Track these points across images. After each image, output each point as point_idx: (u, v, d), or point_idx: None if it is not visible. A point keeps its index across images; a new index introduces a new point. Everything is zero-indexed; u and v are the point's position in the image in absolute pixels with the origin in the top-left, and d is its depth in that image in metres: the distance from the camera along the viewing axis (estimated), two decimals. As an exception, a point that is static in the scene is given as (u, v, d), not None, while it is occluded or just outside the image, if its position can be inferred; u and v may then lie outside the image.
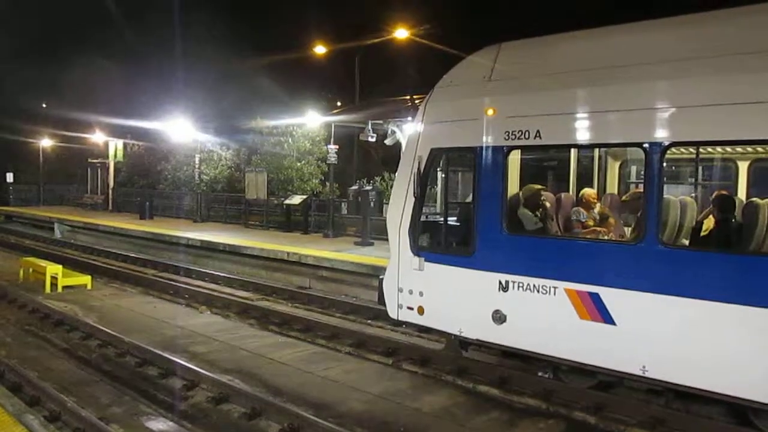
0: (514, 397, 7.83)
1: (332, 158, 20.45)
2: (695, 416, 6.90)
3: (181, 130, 29.85)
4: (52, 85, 48.62)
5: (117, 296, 14.44)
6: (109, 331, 10.47)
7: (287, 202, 23.13)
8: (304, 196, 23.50)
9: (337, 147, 20.52)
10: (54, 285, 14.74)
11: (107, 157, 36.65)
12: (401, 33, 25.68)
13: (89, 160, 39.52)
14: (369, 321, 11.74)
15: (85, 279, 15.41)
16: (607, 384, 7.58)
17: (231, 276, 16.50)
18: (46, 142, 46.53)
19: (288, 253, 16.31)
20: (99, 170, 38.54)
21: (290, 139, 29.58)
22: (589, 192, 8.59)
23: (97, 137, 39.79)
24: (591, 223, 8.19)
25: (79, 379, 8.77)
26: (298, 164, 29.69)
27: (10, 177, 43.97)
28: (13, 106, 46.95)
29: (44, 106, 53.52)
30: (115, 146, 36.10)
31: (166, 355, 9.16)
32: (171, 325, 11.73)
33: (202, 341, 10.54)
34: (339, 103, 36.66)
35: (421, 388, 8.35)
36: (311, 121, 25.96)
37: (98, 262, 19.32)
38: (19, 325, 11.73)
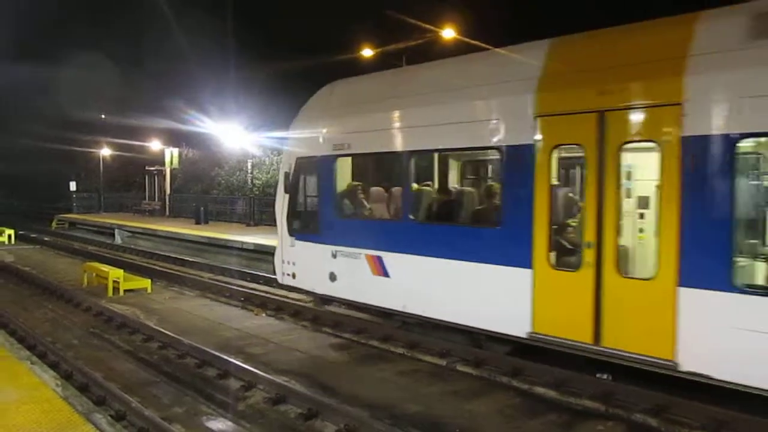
0: (572, 398, 7.69)
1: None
2: (762, 419, 6.63)
3: (234, 136, 30.47)
4: (109, 96, 50.41)
5: (176, 299, 14.85)
6: (169, 333, 10.79)
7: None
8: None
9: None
10: (116, 289, 15.25)
11: (163, 164, 37.73)
12: (448, 33, 25.54)
13: (146, 167, 40.76)
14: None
15: (146, 283, 15.89)
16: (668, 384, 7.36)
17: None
18: (105, 152, 48.23)
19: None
20: (156, 177, 39.73)
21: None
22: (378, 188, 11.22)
23: (154, 145, 41.02)
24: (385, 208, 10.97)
25: (142, 380, 9.07)
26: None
27: (73, 186, 45.78)
28: (74, 118, 48.85)
29: (103, 116, 55.52)
30: (171, 154, 37.15)
31: (223, 356, 9.37)
32: (227, 327, 11.99)
33: (258, 343, 10.74)
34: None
35: (476, 389, 8.30)
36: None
37: (157, 266, 19.89)
38: (84, 327, 12.20)
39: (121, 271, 16.06)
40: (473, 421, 7.31)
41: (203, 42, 47.40)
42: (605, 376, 7.89)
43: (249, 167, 30.54)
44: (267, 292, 14.01)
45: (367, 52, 28.68)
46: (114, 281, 15.37)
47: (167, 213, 36.42)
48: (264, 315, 12.85)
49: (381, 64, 24.95)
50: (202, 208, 30.45)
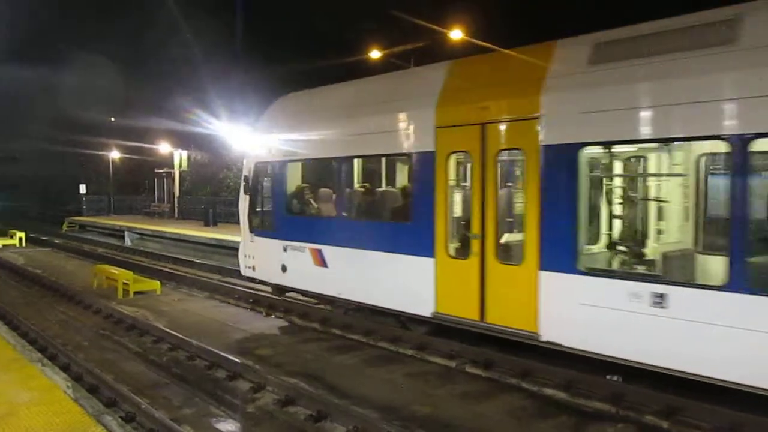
0: (582, 400, 7.66)
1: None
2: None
3: (242, 138, 30.49)
4: (118, 99, 50.64)
5: (185, 301, 14.91)
6: (178, 335, 10.82)
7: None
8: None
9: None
10: (126, 291, 15.33)
11: (172, 166, 37.87)
12: (456, 34, 25.49)
13: (156, 170, 40.91)
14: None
15: (155, 285, 15.96)
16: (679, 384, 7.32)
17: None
18: (114, 154, 48.48)
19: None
20: (165, 180, 39.87)
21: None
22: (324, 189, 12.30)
23: (163, 148, 41.17)
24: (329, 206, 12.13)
25: (152, 382, 9.11)
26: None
27: (83, 188, 46.03)
28: (84, 121, 49.07)
29: (112, 119, 55.76)
30: (180, 156, 37.28)
31: (233, 358, 9.40)
32: (236, 328, 12.04)
33: (267, 344, 10.76)
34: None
35: (486, 391, 8.29)
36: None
37: (167, 268, 19.94)
38: (94, 329, 12.26)
39: (131, 273, 16.13)
40: (483, 423, 7.29)
41: (212, 43, 47.62)
42: (615, 378, 7.85)
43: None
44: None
45: (375, 54, 28.70)
46: (124, 283, 15.45)
47: (176, 215, 36.57)
48: (273, 316, 12.87)
49: (389, 65, 24.94)
50: (210, 211, 30.54)
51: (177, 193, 37.68)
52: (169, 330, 11.25)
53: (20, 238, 29.00)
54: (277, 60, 41.95)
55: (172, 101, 44.91)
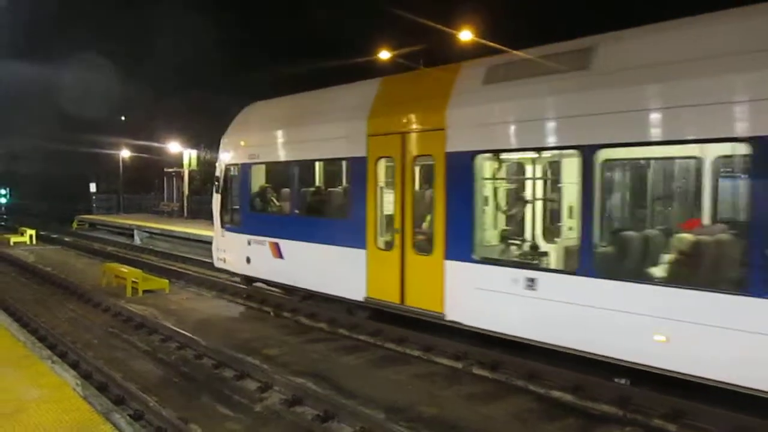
0: (589, 403, 7.64)
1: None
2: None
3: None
4: (128, 97, 50.87)
5: (193, 300, 14.96)
6: (186, 333, 10.88)
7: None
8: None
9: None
10: (134, 289, 15.39)
11: (182, 166, 38.02)
12: (465, 35, 25.42)
13: (165, 169, 41.08)
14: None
15: (164, 283, 16.02)
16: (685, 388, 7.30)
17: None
18: (124, 153, 48.69)
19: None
20: (174, 179, 40.04)
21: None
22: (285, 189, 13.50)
23: (172, 147, 41.36)
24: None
25: (160, 380, 9.17)
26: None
27: (93, 187, 46.28)
28: (94, 120, 49.29)
29: (123, 119, 56.00)
30: (189, 156, 37.43)
31: (240, 357, 9.42)
32: (244, 327, 12.08)
33: (274, 344, 10.79)
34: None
35: (492, 393, 8.28)
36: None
37: (175, 266, 20.00)
38: (103, 327, 12.33)
39: (140, 271, 16.21)
40: (489, 424, 7.29)
41: (220, 41, 47.74)
42: (623, 381, 7.83)
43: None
44: (283, 295, 14.06)
45: (384, 55, 28.67)
46: (133, 282, 15.53)
47: (185, 214, 36.68)
48: (280, 316, 12.90)
49: (397, 65, 24.92)
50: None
51: (186, 192, 37.82)
52: (177, 329, 11.30)
53: (31, 236, 29.20)
54: (276, 60, 42.04)
55: (180, 100, 45.08)
